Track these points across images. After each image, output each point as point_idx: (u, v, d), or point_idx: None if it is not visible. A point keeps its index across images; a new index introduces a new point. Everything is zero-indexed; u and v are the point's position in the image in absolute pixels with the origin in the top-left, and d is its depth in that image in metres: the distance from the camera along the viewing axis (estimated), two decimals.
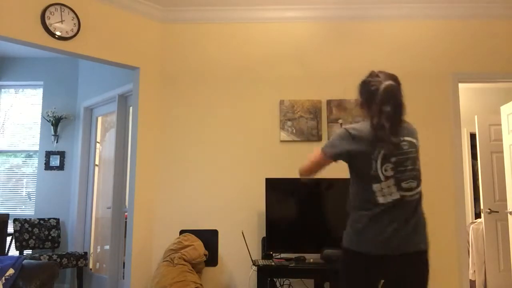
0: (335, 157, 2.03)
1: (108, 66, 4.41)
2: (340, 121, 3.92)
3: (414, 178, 1.97)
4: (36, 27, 3.39)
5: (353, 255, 1.97)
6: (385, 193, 1.94)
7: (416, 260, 1.94)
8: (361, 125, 2.01)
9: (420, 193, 2.00)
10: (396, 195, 1.93)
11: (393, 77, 2.05)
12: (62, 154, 5.20)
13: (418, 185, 1.99)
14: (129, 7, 3.93)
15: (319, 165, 2.07)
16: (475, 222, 5.37)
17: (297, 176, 2.09)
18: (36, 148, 5.30)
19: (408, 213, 1.94)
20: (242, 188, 3.93)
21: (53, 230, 4.94)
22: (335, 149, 2.01)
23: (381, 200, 1.94)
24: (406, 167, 1.95)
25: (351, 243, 1.98)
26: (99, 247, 4.93)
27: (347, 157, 2.01)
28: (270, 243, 3.54)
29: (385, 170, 1.94)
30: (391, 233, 1.91)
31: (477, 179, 5.60)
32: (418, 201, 1.99)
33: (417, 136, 2.06)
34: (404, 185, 1.94)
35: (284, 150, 3.94)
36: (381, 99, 1.96)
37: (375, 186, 1.94)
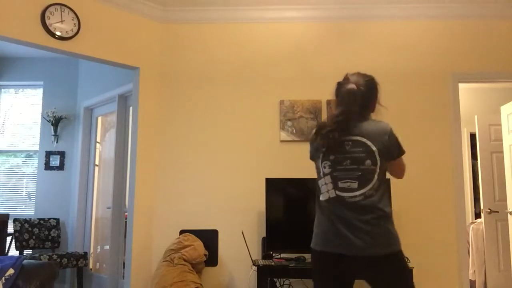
0: (314, 156, 2.11)
1: (108, 66, 4.41)
2: None
3: (356, 179, 1.91)
4: (36, 27, 3.39)
5: (314, 253, 1.99)
6: (323, 190, 1.98)
7: (373, 264, 1.86)
8: (322, 122, 2.12)
9: (367, 196, 1.89)
10: (333, 194, 1.94)
11: (365, 79, 2.07)
12: (62, 154, 5.20)
13: (362, 187, 1.90)
14: (129, 7, 3.93)
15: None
16: (475, 222, 5.37)
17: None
18: (36, 148, 5.30)
19: (351, 214, 1.88)
20: (242, 188, 3.93)
21: (53, 230, 4.94)
22: (311, 150, 2.13)
23: (321, 197, 2.00)
24: (345, 166, 1.93)
25: (312, 241, 2.02)
26: (99, 247, 4.93)
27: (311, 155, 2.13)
28: (270, 243, 3.54)
29: (324, 167, 1.99)
30: (333, 233, 1.91)
31: (477, 179, 5.60)
32: (363, 203, 1.88)
33: (382, 137, 1.95)
34: (341, 184, 1.92)
35: (284, 150, 3.94)
36: (339, 101, 2.07)
37: (319, 182, 2.03)
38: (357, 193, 1.90)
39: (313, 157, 2.11)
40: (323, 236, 1.94)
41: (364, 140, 1.95)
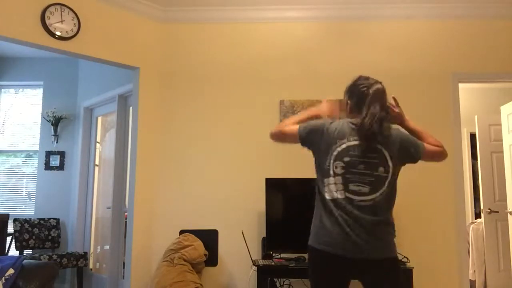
0: (303, 141, 2.09)
1: (108, 66, 4.41)
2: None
3: (368, 184, 1.92)
4: (36, 27, 3.39)
5: (314, 251, 1.97)
6: (332, 189, 1.95)
7: (376, 266, 1.89)
8: (337, 123, 2.05)
9: (376, 202, 1.91)
10: (342, 195, 1.93)
11: (380, 82, 2.10)
12: (62, 154, 5.20)
13: (373, 192, 1.92)
14: (129, 7, 3.93)
15: (290, 136, 2.11)
16: (475, 222, 5.37)
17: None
18: (36, 148, 5.30)
19: (358, 217, 1.89)
20: (242, 188, 3.92)
21: (53, 230, 4.94)
22: (307, 135, 2.06)
23: (327, 196, 1.96)
24: (359, 170, 1.93)
25: (311, 239, 2.00)
26: (99, 247, 4.93)
27: (312, 146, 2.07)
28: (270, 243, 3.54)
29: (335, 167, 1.95)
30: (337, 234, 1.90)
31: (477, 179, 5.60)
32: (371, 208, 1.90)
33: (395, 145, 1.98)
34: (351, 187, 1.92)
35: (284, 150, 3.93)
36: (371, 100, 2.00)
37: (325, 180, 1.98)
38: (367, 197, 1.92)
39: (317, 148, 2.04)
40: (326, 236, 1.92)
41: (379, 146, 1.96)
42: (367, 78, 2.09)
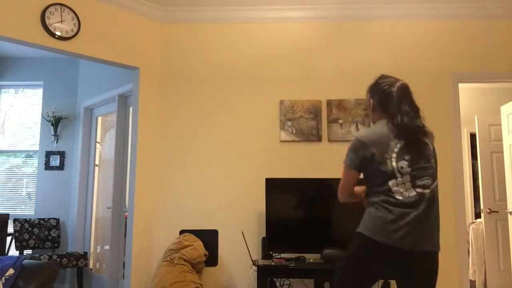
0: (359, 168, 2.07)
1: (108, 66, 4.41)
2: (340, 121, 3.92)
3: (430, 176, 2.01)
4: (36, 27, 3.39)
5: (372, 243, 1.97)
6: (402, 189, 1.97)
7: (429, 259, 1.98)
8: (371, 130, 2.06)
9: (434, 191, 2.02)
10: (412, 192, 1.97)
11: (402, 80, 2.14)
12: (62, 154, 5.20)
13: (433, 182, 2.02)
14: (129, 7, 3.93)
15: (350, 179, 2.11)
16: (475, 222, 5.37)
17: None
18: (36, 148, 5.30)
19: (425, 211, 1.97)
20: (242, 188, 3.92)
21: (53, 230, 4.94)
22: (355, 160, 2.06)
23: (398, 196, 1.97)
24: (421, 165, 1.99)
25: (370, 232, 1.99)
26: (99, 247, 4.93)
27: (367, 163, 2.04)
28: (270, 243, 3.54)
29: (401, 167, 1.98)
30: (407, 230, 1.94)
31: (477, 179, 5.60)
32: (433, 199, 2.00)
33: (431, 139, 2.11)
34: (419, 182, 1.98)
35: (284, 150, 3.94)
36: (399, 97, 2.04)
37: (391, 183, 1.98)
38: (430, 189, 2.00)
39: (371, 163, 2.03)
40: (400, 236, 1.94)
41: (426, 140, 2.05)
42: (389, 77, 2.12)
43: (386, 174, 1.99)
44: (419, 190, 1.97)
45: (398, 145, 1.99)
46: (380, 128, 2.05)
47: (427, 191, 1.98)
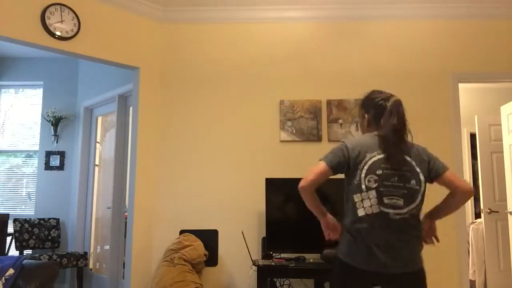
0: (335, 167, 1.99)
1: (108, 66, 4.42)
2: (340, 121, 3.92)
3: (402, 196, 1.92)
4: (36, 27, 3.39)
5: (344, 267, 1.95)
6: (365, 204, 1.92)
7: (405, 279, 1.93)
8: (359, 138, 2.04)
9: (411, 214, 1.95)
10: (376, 209, 1.91)
11: (395, 95, 2.12)
12: (62, 154, 5.20)
13: (407, 205, 1.93)
14: (129, 7, 3.93)
15: (322, 174, 2.00)
16: (475, 222, 5.37)
17: (299, 183, 2.07)
18: (36, 148, 5.30)
19: (392, 232, 1.91)
20: (242, 188, 3.92)
21: (53, 230, 4.94)
22: (334, 159, 1.99)
23: (360, 212, 1.93)
24: (393, 183, 1.92)
25: (343, 254, 1.98)
26: (99, 247, 4.93)
27: (343, 166, 2.00)
28: (270, 243, 3.54)
29: (368, 181, 1.92)
30: (370, 251, 1.90)
31: (477, 179, 5.60)
32: (407, 221, 1.93)
33: (424, 162, 2.00)
34: (386, 200, 1.91)
35: (284, 150, 3.94)
36: (390, 112, 1.99)
37: (356, 196, 1.94)
38: (403, 210, 1.92)
39: (346, 168, 1.99)
40: (360, 254, 1.91)
41: (409, 159, 1.97)
42: (381, 92, 2.11)
43: (354, 185, 1.95)
44: (383, 208, 1.91)
45: (374, 158, 1.94)
46: (367, 139, 2.01)
47: (395, 211, 1.91)
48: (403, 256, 1.91)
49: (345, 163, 1.99)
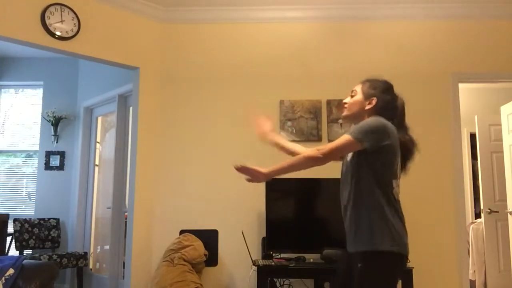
0: (369, 146, 1.91)
1: (108, 66, 4.41)
2: (340, 121, 3.92)
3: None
4: (36, 27, 3.39)
5: (400, 257, 1.91)
6: (398, 191, 1.99)
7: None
8: (388, 122, 2.00)
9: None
10: (398, 196, 2.00)
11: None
12: (62, 154, 5.20)
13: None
14: (129, 7, 3.93)
15: (345, 151, 1.97)
16: (475, 222, 5.37)
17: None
18: (36, 148, 5.30)
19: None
20: (242, 188, 3.92)
21: (53, 230, 4.94)
22: (372, 137, 1.90)
23: (396, 196, 1.97)
24: (399, 172, 2.04)
25: (389, 244, 1.88)
26: (99, 247, 4.93)
27: (377, 148, 1.91)
28: (270, 243, 3.54)
29: (398, 169, 2.00)
30: (405, 233, 1.96)
31: (477, 179, 5.60)
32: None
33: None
34: (397, 189, 2.01)
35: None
36: (402, 112, 2.08)
37: (394, 182, 1.96)
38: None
39: (391, 149, 1.93)
40: (403, 239, 1.92)
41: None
42: (392, 86, 2.14)
43: (394, 171, 1.96)
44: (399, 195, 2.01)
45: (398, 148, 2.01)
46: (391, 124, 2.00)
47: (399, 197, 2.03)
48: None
49: (382, 147, 1.92)
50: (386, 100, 2.06)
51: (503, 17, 4.00)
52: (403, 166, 2.04)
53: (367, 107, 2.07)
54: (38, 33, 3.39)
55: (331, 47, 4.05)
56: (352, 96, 2.15)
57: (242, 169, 1.98)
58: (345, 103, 2.17)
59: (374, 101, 2.06)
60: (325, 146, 1.94)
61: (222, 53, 4.10)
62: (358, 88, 2.14)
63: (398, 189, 1.98)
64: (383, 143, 1.90)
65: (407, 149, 2.02)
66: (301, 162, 1.97)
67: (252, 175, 2.00)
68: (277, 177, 2.05)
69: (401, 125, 2.04)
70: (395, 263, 1.89)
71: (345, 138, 1.93)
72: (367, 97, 2.08)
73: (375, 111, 2.04)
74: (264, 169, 1.99)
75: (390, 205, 1.91)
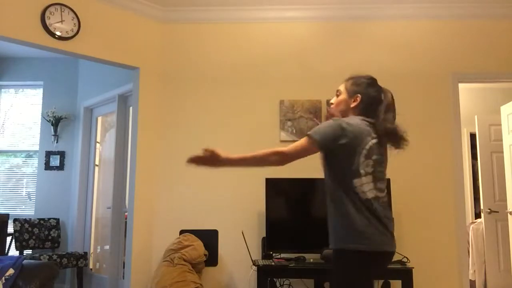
0: (322, 146, 1.94)
1: (108, 66, 4.41)
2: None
3: (384, 180, 2.01)
4: (36, 27, 3.39)
5: (362, 254, 1.90)
6: (365, 188, 1.91)
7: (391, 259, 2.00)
8: (352, 119, 1.99)
9: (386, 195, 2.02)
10: (372, 193, 1.92)
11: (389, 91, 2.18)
12: (62, 154, 5.20)
13: (385, 187, 2.02)
14: (129, 7, 3.93)
15: (305, 151, 1.95)
16: (475, 222, 5.37)
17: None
18: (36, 148, 5.30)
19: (385, 213, 1.94)
20: (242, 188, 3.92)
21: (53, 230, 4.94)
22: (325, 137, 1.92)
23: (360, 195, 1.91)
24: (381, 168, 1.99)
25: (352, 241, 1.90)
26: (99, 247, 4.93)
27: (332, 148, 1.93)
28: (270, 243, 3.54)
29: (366, 166, 1.93)
30: (379, 232, 1.90)
31: (477, 179, 5.60)
32: (385, 203, 1.98)
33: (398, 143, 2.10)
34: (378, 184, 1.96)
35: None
36: (387, 106, 2.03)
37: (355, 181, 1.91)
38: (385, 193, 1.99)
39: (348, 149, 1.92)
40: (371, 237, 1.88)
41: (387, 146, 2.06)
42: (375, 80, 2.12)
43: (352, 171, 1.92)
44: (377, 192, 1.94)
45: (370, 143, 1.94)
46: (358, 122, 1.98)
47: (382, 194, 1.97)
48: (391, 234, 1.97)
49: (334, 144, 1.93)
50: (371, 96, 2.06)
51: (503, 17, 4.00)
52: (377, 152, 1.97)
53: (352, 104, 2.07)
54: (38, 33, 3.39)
55: (331, 47, 4.06)
56: (337, 96, 2.15)
57: (193, 160, 1.94)
58: (331, 103, 2.18)
59: (358, 98, 2.06)
60: (291, 144, 1.99)
61: (222, 53, 4.10)
62: (342, 87, 2.14)
63: (369, 186, 1.91)
64: (338, 142, 1.91)
65: (394, 137, 1.99)
66: (265, 154, 1.94)
67: (205, 162, 1.95)
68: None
69: (389, 115, 2.01)
70: (362, 261, 1.89)
71: (304, 137, 1.97)
72: (351, 94, 2.09)
73: (361, 107, 2.06)
74: (223, 154, 1.94)
75: (354, 203, 1.91)
